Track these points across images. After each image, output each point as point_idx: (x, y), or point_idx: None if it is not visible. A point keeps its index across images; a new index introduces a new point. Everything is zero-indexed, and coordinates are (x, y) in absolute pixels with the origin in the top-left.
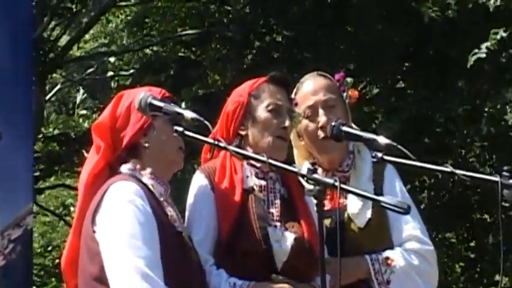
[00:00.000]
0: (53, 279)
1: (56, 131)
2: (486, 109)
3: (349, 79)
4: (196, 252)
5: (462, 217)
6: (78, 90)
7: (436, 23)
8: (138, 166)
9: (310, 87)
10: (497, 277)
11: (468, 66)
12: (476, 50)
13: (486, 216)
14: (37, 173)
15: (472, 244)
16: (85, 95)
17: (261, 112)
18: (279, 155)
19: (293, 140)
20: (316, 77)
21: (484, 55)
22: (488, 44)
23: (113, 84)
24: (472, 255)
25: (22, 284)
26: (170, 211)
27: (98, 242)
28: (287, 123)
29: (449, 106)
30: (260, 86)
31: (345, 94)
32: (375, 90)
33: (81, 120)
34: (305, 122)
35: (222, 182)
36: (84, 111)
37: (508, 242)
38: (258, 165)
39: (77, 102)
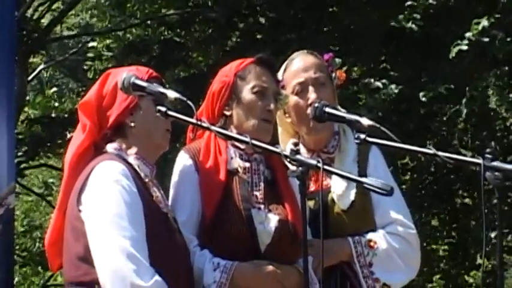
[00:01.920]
0: (37, 258)
1: (37, 112)
2: (467, 90)
3: (337, 60)
4: (181, 233)
5: (444, 200)
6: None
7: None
8: (123, 146)
9: (301, 64)
10: (479, 260)
11: (450, 57)
12: (459, 42)
13: (468, 200)
14: (21, 157)
15: (454, 226)
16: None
17: (246, 94)
18: (263, 138)
19: (278, 118)
20: (306, 54)
21: (465, 47)
22: (469, 34)
23: (90, 75)
24: (454, 238)
25: (3, 264)
26: (155, 192)
27: (83, 222)
28: (272, 106)
29: (431, 86)
30: (246, 67)
31: (333, 74)
32: (357, 72)
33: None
34: (294, 98)
35: (207, 162)
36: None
37: (489, 225)
38: (242, 147)
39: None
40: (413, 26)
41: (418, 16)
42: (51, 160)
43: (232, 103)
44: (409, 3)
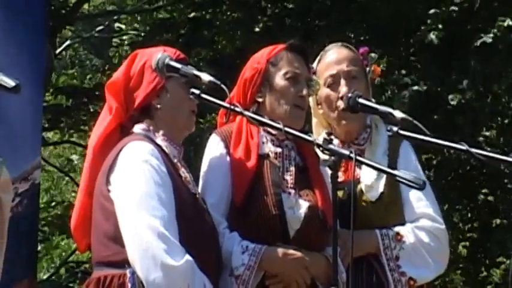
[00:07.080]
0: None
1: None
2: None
3: (373, 54)
4: (210, 214)
5: (466, 197)
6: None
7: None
8: (151, 127)
9: (334, 57)
10: (499, 258)
11: (472, 47)
12: (482, 35)
13: (491, 197)
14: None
15: (476, 225)
16: None
17: (279, 80)
18: (296, 124)
19: (312, 108)
20: (340, 47)
21: (490, 40)
22: (495, 30)
23: (115, 60)
24: (475, 236)
25: (28, 238)
26: (184, 172)
27: (113, 202)
28: (304, 91)
29: (460, 87)
30: (278, 54)
31: (367, 69)
32: (385, 64)
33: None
34: (326, 90)
35: (238, 146)
36: None
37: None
38: (274, 132)
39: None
40: (434, 37)
41: (440, 26)
42: (72, 137)
43: (265, 90)
44: (432, 11)
